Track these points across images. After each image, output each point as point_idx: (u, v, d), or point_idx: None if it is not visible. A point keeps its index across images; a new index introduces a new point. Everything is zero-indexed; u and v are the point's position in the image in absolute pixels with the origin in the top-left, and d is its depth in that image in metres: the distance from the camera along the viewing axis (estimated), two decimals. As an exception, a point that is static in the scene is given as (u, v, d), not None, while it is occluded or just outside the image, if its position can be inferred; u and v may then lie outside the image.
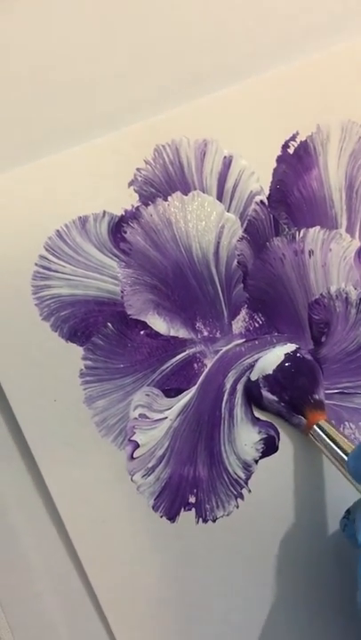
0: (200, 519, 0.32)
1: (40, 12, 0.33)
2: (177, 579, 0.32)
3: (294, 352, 0.33)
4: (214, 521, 0.32)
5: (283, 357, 0.33)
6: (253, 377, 0.33)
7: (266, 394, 0.33)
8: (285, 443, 0.33)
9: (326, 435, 0.31)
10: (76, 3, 0.34)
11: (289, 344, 0.34)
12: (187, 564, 0.32)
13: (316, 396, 0.33)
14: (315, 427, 0.32)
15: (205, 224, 0.34)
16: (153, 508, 0.32)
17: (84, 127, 0.33)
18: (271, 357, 0.33)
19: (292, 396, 0.33)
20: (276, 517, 0.33)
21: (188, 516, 0.32)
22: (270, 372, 0.33)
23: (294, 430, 0.33)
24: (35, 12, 0.33)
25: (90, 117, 0.33)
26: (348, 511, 0.30)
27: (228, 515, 0.33)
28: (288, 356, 0.33)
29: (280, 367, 0.33)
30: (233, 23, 0.35)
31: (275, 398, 0.33)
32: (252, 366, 0.33)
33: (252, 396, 0.33)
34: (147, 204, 0.33)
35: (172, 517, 0.32)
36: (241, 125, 0.34)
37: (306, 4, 0.36)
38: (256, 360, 0.33)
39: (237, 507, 0.33)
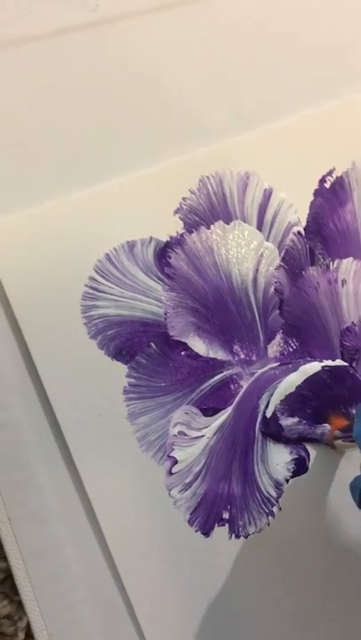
0: (233, 535, 0.33)
1: (97, 48, 0.36)
2: (211, 592, 0.33)
3: (344, 367, 0.34)
4: (246, 537, 0.34)
5: (319, 369, 0.33)
6: (269, 412, 0.34)
7: (285, 421, 0.34)
8: (315, 463, 0.35)
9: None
10: (123, 45, 0.36)
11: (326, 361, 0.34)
12: (220, 577, 0.33)
13: (353, 411, 0.34)
14: (339, 431, 0.33)
15: (245, 252, 0.35)
16: (189, 522, 0.33)
17: (134, 158, 0.35)
18: (294, 376, 0.34)
19: (316, 406, 0.34)
20: (304, 535, 0.34)
21: (221, 532, 0.33)
22: (293, 390, 0.34)
23: (324, 451, 0.35)
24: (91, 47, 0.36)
25: (140, 149, 0.35)
26: None
27: (259, 531, 0.34)
28: (330, 369, 0.33)
29: (309, 380, 0.33)
30: (276, 64, 0.37)
31: (294, 420, 0.34)
32: None
33: (272, 434, 0.34)
34: (191, 232, 0.35)
35: (206, 532, 0.33)
36: (281, 160, 0.36)
37: (343, 48, 0.38)
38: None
39: (268, 524, 0.34)
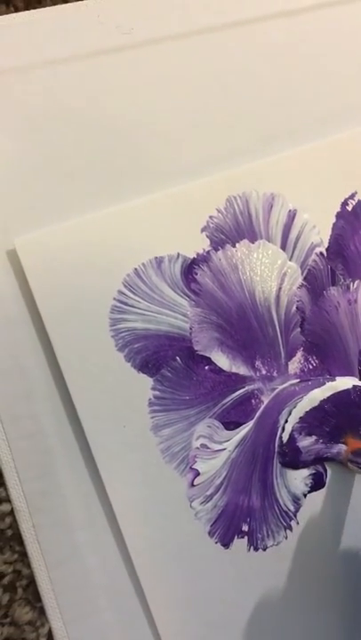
0: (252, 547, 0.34)
1: (131, 71, 0.37)
2: (230, 603, 0.33)
3: None
4: (265, 549, 0.34)
5: (350, 386, 0.34)
6: (286, 434, 0.34)
7: (302, 442, 0.35)
8: (331, 479, 0.36)
9: None
10: (156, 68, 0.37)
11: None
12: (239, 589, 0.34)
13: None
14: (352, 454, 0.34)
15: (269, 271, 0.36)
16: (209, 533, 0.34)
17: (164, 177, 0.36)
18: (317, 392, 0.35)
19: (335, 424, 0.34)
20: (321, 549, 0.35)
21: (240, 544, 0.34)
22: (316, 404, 0.35)
23: (340, 468, 0.36)
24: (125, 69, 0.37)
25: (171, 168, 0.36)
26: None
27: (277, 544, 0.34)
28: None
29: (336, 396, 0.34)
30: (304, 92, 0.38)
31: (312, 440, 0.35)
32: None
33: (290, 462, 0.35)
34: (217, 249, 0.36)
35: (226, 544, 0.34)
36: (305, 183, 0.37)
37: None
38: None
39: (286, 537, 0.35)
